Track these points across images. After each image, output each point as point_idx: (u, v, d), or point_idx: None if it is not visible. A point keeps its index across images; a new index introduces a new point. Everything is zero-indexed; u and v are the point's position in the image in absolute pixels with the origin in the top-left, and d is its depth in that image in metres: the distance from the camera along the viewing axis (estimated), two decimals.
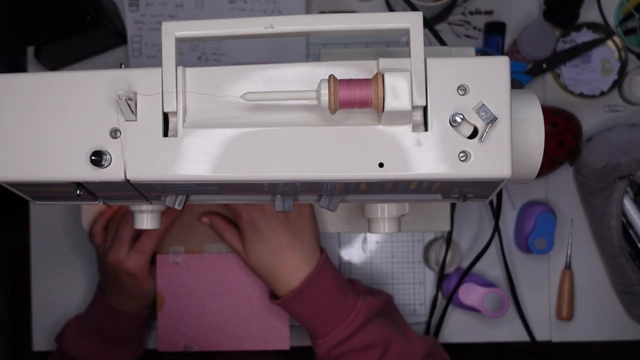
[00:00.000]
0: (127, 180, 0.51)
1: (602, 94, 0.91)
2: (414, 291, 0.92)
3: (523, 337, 0.92)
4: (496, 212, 0.80)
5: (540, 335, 0.92)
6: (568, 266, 0.92)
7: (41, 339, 0.94)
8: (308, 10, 0.93)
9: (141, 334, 0.89)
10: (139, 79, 0.51)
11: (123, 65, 0.54)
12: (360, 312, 0.75)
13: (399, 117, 0.49)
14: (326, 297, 0.75)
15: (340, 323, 0.74)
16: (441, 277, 0.91)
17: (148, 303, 0.86)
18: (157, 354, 0.88)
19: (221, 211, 0.83)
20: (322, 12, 0.93)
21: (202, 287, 0.87)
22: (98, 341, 0.84)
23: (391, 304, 0.82)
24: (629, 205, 0.88)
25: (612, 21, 0.92)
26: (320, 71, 0.51)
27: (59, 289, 0.94)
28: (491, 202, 0.85)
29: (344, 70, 0.51)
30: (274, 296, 0.79)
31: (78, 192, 0.54)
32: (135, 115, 0.50)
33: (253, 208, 0.76)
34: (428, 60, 0.49)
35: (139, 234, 0.82)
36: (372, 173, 0.50)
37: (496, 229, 0.81)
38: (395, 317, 0.81)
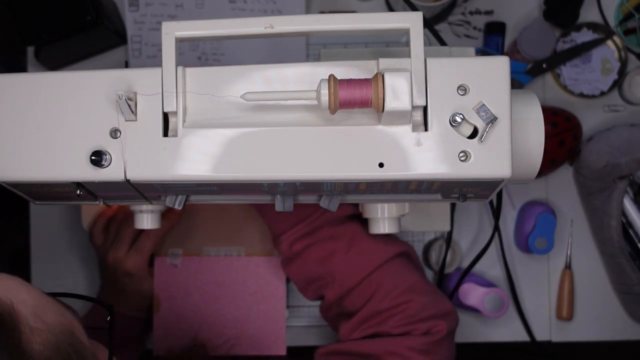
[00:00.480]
0: (127, 180, 0.51)
1: (602, 94, 0.91)
2: None
3: (523, 337, 0.92)
4: (496, 212, 0.80)
5: (540, 335, 0.92)
6: (568, 266, 0.92)
7: None
8: (308, 10, 0.93)
9: (140, 336, 0.89)
10: (139, 79, 0.51)
11: (128, 62, 0.54)
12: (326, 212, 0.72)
13: (399, 117, 0.49)
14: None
15: (306, 218, 0.73)
16: (441, 277, 0.91)
17: (146, 305, 0.86)
18: (153, 356, 0.88)
19: None
20: (322, 12, 0.93)
21: (200, 290, 0.86)
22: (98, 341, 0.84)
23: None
24: (629, 205, 0.88)
25: (612, 21, 0.92)
26: (320, 71, 0.51)
27: (59, 289, 0.94)
28: (491, 202, 0.85)
29: (344, 70, 0.51)
30: None
31: (78, 192, 0.54)
32: (135, 115, 0.50)
33: None
34: (428, 60, 0.49)
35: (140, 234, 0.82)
36: (372, 173, 0.50)
37: (496, 229, 0.81)
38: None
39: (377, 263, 0.73)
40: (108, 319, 0.54)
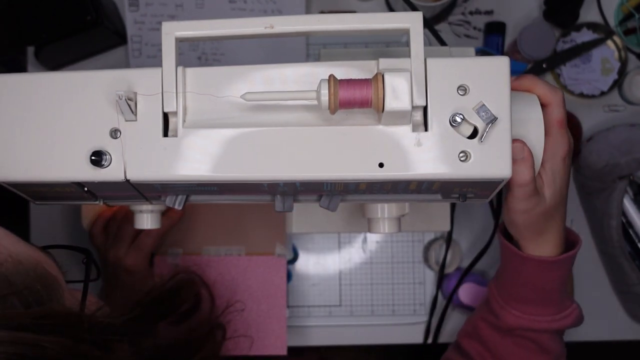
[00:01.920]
0: (127, 180, 0.51)
1: (602, 94, 0.91)
2: (414, 291, 0.92)
3: None
4: (496, 212, 0.80)
5: None
6: None
7: None
8: (308, 10, 0.93)
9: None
10: (139, 79, 0.51)
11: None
12: (570, 317, 0.70)
13: (399, 117, 0.49)
14: (561, 281, 0.68)
15: (547, 313, 0.69)
16: (441, 277, 0.91)
17: None
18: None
19: None
20: (322, 12, 0.93)
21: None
22: None
23: None
24: (629, 205, 0.88)
25: (612, 21, 0.92)
26: (320, 71, 0.51)
27: None
28: (491, 202, 0.85)
29: (344, 70, 0.51)
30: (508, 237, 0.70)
31: (85, 188, 0.54)
32: (135, 115, 0.50)
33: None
34: (428, 60, 0.49)
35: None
36: (372, 173, 0.50)
37: (496, 228, 0.81)
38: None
39: None
40: (84, 261, 0.55)
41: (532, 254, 0.66)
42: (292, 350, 0.88)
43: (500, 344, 0.72)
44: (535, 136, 0.56)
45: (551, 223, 0.64)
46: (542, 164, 0.59)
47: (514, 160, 0.52)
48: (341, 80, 0.48)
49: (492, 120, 0.49)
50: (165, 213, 0.77)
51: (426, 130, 0.50)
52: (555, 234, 0.65)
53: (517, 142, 0.54)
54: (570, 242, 0.67)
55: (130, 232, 0.81)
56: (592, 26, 0.91)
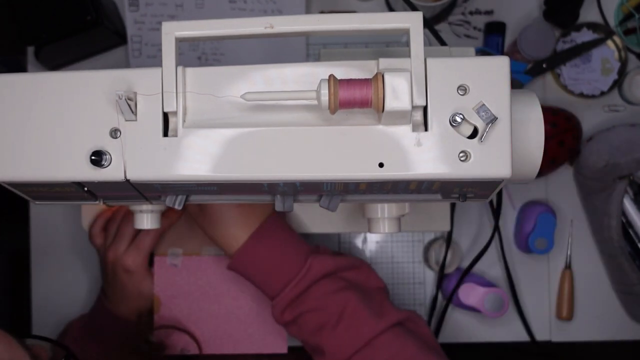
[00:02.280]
0: (127, 180, 0.51)
1: (602, 94, 0.91)
2: (414, 291, 0.92)
3: (523, 337, 0.92)
4: (496, 212, 0.80)
5: (540, 335, 0.92)
6: (568, 266, 0.92)
7: None
8: (308, 10, 0.93)
9: (138, 343, 0.89)
10: (139, 79, 0.51)
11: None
12: (311, 270, 0.71)
13: (399, 117, 0.49)
14: (275, 252, 0.72)
15: (289, 281, 0.71)
16: (441, 277, 0.91)
17: (147, 306, 0.86)
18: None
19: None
20: (322, 12, 0.93)
21: (200, 289, 0.87)
22: (96, 344, 0.84)
23: (364, 273, 0.77)
24: (629, 205, 0.88)
25: (612, 21, 0.92)
26: (320, 71, 0.51)
27: (59, 289, 0.94)
28: (491, 202, 0.85)
29: (344, 70, 0.51)
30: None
31: (85, 188, 0.54)
32: (135, 115, 0.50)
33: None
34: (428, 60, 0.49)
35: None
36: (372, 173, 0.50)
37: (496, 229, 0.81)
38: (369, 287, 0.76)
39: (367, 338, 0.70)
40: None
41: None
42: (292, 349, 0.88)
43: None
44: (535, 136, 0.56)
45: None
46: None
47: None
48: (341, 80, 0.48)
49: (492, 120, 0.49)
50: (165, 213, 0.77)
51: (426, 130, 0.50)
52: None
53: None
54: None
55: (129, 231, 0.81)
56: (592, 26, 0.91)
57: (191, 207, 0.77)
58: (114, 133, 0.50)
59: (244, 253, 0.73)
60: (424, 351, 0.71)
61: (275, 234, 0.74)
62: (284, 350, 0.86)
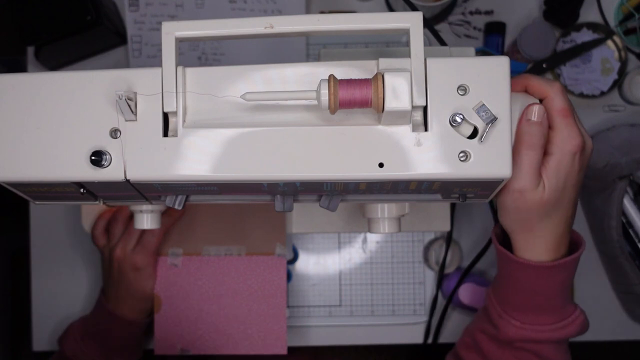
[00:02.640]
0: (127, 180, 0.51)
1: (602, 94, 0.91)
2: (414, 291, 0.92)
3: None
4: (496, 212, 0.80)
5: None
6: None
7: (41, 339, 0.94)
8: (308, 10, 0.93)
9: (140, 342, 0.89)
10: (139, 79, 0.51)
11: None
12: (573, 324, 0.65)
13: (399, 117, 0.49)
14: (563, 287, 0.64)
15: (548, 322, 0.64)
16: (441, 277, 0.91)
17: (147, 307, 0.86)
18: (154, 356, 0.88)
19: None
20: (322, 12, 0.93)
21: (200, 289, 0.87)
22: (97, 346, 0.84)
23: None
24: (629, 205, 0.88)
25: (612, 21, 0.92)
26: (320, 71, 0.51)
27: (59, 289, 0.94)
28: (491, 202, 0.85)
29: (344, 70, 0.51)
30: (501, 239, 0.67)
31: (82, 190, 0.54)
32: (135, 115, 0.50)
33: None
34: (428, 60, 0.49)
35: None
36: (372, 173, 0.50)
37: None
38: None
39: None
40: None
41: (524, 256, 0.61)
42: (292, 350, 0.88)
43: (501, 358, 0.68)
44: None
45: (546, 222, 0.58)
46: (545, 154, 0.54)
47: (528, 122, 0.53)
48: (341, 80, 0.48)
49: (492, 120, 0.49)
50: (166, 211, 0.77)
51: (426, 130, 0.50)
52: (548, 235, 0.59)
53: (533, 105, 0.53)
54: (573, 244, 0.63)
55: (137, 231, 0.82)
56: (592, 26, 0.91)
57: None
58: (114, 133, 0.50)
59: (564, 267, 0.62)
60: None
61: (571, 271, 0.64)
62: (284, 352, 0.86)
